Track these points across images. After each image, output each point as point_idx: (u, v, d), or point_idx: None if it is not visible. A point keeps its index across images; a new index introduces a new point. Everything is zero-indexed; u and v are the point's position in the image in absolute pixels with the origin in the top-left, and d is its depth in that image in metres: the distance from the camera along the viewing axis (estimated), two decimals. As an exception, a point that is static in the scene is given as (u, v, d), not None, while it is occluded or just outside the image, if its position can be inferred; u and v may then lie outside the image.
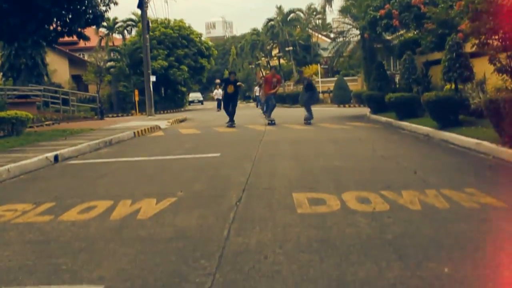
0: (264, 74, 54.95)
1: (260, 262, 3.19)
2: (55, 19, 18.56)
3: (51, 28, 19.35)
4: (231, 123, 15.87)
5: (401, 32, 18.70)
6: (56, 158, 8.78)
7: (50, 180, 6.93)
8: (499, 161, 7.02)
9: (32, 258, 3.46)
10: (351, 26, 20.89)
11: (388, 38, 20.44)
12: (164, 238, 3.79)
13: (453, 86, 11.78)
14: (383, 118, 15.62)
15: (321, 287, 2.74)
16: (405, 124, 13.09)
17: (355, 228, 3.87)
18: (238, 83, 16.91)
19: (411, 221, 4.04)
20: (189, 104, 47.78)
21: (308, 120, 15.93)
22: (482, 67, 12.14)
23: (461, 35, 12.53)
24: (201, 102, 55.79)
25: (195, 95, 55.11)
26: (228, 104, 16.64)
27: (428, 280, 2.80)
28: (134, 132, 13.90)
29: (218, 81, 24.61)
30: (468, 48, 11.52)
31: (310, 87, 16.85)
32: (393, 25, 15.76)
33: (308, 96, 16.65)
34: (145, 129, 14.92)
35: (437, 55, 14.93)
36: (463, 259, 3.12)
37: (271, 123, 16.03)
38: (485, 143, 7.94)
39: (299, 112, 24.03)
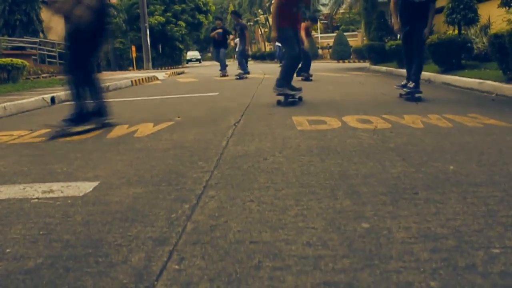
0: (262, 31, 53.72)
1: (259, 162, 3.11)
2: (49, -31, 18.00)
3: (45, -22, 18.73)
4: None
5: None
6: (52, 99, 8.66)
7: (46, 115, 6.82)
8: (502, 97, 6.90)
9: (28, 165, 3.37)
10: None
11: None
12: (161, 149, 3.71)
13: (456, 31, 11.54)
14: (384, 68, 15.41)
15: (323, 179, 2.67)
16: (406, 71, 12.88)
17: (357, 140, 3.79)
18: None
19: (414, 135, 3.96)
20: (187, 63, 47.22)
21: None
22: (487, 12, 11.90)
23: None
24: (199, 60, 55.22)
25: (193, 54, 54.51)
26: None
27: (434, 174, 2.72)
28: (132, 81, 13.70)
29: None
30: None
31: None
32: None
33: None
34: (142, 79, 14.71)
35: (440, 2, 14.58)
36: (468, 161, 3.03)
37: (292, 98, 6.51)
38: (488, 82, 7.80)
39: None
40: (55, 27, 33.22)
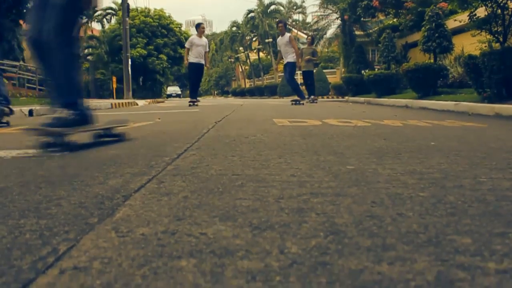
0: (242, 68, 54.17)
1: (241, 139, 3.07)
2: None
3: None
4: None
5: (381, 17, 18.84)
6: (30, 112, 8.51)
7: (24, 121, 6.68)
8: (478, 115, 7.03)
9: (2, 142, 3.27)
10: (331, 12, 20.91)
11: (368, 26, 20.55)
12: (140, 135, 3.63)
13: (432, 59, 11.84)
14: (362, 98, 15.62)
15: (305, 147, 2.63)
16: (384, 100, 13.09)
17: (338, 130, 3.78)
18: None
19: (394, 128, 3.98)
20: (167, 98, 47.17)
21: None
22: (460, 43, 12.28)
23: (440, 12, 12.64)
24: (179, 96, 55.11)
25: (173, 89, 54.31)
26: None
27: (416, 146, 2.71)
28: (112, 103, 13.62)
29: None
30: (448, 25, 11.63)
31: None
32: (373, 6, 15.79)
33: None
34: (122, 103, 14.65)
35: (415, 37, 15.03)
36: (449, 140, 3.03)
37: None
38: (464, 103, 7.96)
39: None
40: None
